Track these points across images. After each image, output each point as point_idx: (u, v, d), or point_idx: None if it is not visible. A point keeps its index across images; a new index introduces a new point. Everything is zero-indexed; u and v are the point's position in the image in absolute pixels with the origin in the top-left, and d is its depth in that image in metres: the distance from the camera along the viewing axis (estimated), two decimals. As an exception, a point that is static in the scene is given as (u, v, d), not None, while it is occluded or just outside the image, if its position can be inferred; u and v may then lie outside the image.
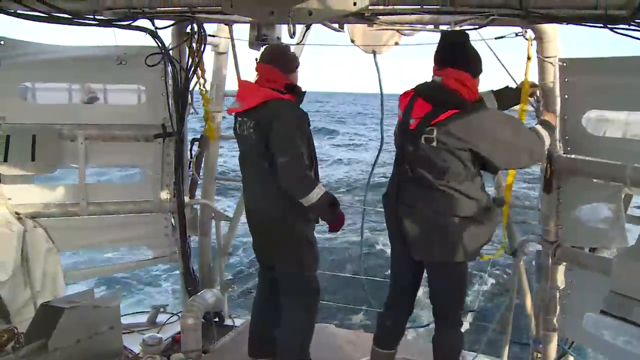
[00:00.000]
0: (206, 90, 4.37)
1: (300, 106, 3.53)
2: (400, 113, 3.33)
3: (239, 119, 3.60)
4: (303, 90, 3.61)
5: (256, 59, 3.63)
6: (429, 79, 3.30)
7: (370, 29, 3.75)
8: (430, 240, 3.26)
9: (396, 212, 3.38)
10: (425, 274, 3.55)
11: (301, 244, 3.61)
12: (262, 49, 3.70)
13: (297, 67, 3.65)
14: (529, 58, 3.37)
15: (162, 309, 4.97)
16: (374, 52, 4.41)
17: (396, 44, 4.29)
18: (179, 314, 4.73)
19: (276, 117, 3.31)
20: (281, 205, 3.45)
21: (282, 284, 3.74)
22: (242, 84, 3.72)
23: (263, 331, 3.93)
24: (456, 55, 3.19)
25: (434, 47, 3.26)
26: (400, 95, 3.39)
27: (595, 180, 3.48)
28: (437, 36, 3.45)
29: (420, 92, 3.25)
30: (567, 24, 2.88)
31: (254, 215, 3.77)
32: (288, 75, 3.54)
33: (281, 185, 3.33)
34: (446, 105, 3.08)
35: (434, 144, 3.09)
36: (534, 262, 3.98)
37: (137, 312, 5.22)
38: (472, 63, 3.21)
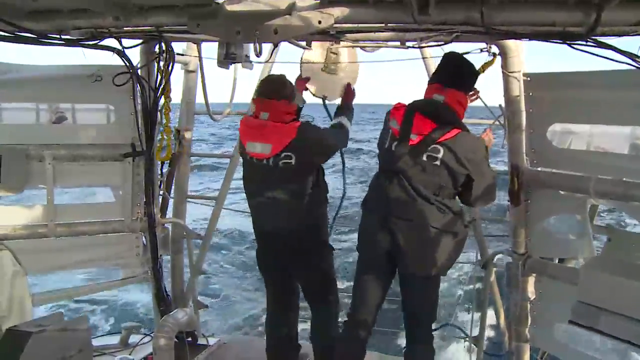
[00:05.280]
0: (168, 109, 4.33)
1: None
2: (397, 127, 3.30)
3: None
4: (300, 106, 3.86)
5: (254, 98, 3.68)
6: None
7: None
8: (424, 254, 3.29)
9: (384, 223, 3.34)
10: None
11: (327, 253, 3.83)
12: (259, 82, 3.78)
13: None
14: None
15: (134, 330, 4.88)
16: None
17: None
18: (152, 334, 4.66)
19: (313, 139, 3.51)
20: (313, 223, 3.67)
21: (310, 294, 3.94)
22: (255, 125, 3.54)
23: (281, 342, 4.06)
24: (462, 78, 3.31)
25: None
26: (392, 109, 3.40)
27: (561, 192, 3.54)
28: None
29: (421, 108, 3.25)
30: (528, 40, 2.93)
31: (274, 236, 3.75)
32: (294, 101, 3.64)
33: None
34: (450, 124, 3.14)
35: (437, 162, 3.13)
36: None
37: (108, 334, 5.13)
38: (471, 84, 3.39)
